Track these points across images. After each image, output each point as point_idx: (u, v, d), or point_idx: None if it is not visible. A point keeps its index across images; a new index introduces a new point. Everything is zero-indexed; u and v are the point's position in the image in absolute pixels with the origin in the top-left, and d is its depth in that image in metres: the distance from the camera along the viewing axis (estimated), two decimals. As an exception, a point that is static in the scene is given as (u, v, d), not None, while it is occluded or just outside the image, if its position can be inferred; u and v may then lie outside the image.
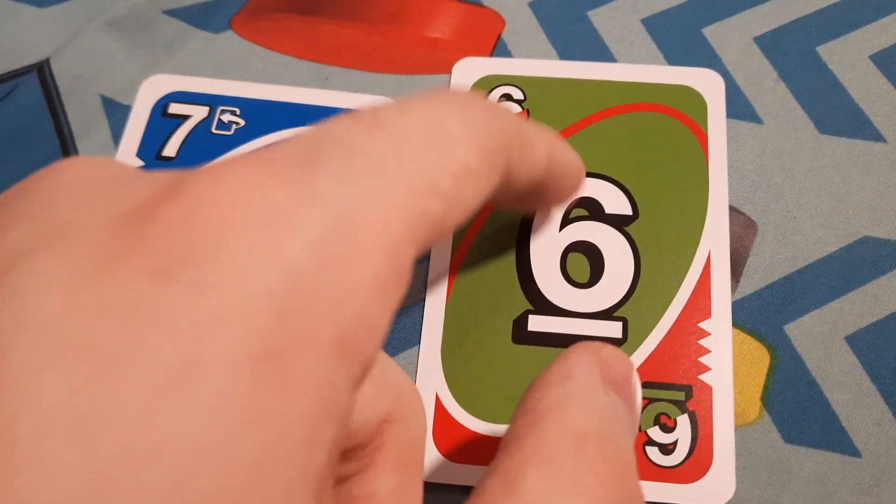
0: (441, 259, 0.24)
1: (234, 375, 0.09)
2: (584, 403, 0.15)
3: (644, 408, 0.21)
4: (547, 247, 0.24)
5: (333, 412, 0.10)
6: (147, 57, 0.28)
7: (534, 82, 0.26)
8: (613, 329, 0.22)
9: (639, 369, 0.22)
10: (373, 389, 0.16)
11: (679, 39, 0.27)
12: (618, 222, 0.24)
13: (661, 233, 0.24)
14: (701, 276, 0.23)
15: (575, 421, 0.14)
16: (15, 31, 0.28)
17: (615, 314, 0.23)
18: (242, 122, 0.26)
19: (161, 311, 0.09)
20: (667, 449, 0.21)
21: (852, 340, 0.22)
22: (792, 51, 0.27)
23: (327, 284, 0.10)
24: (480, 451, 0.21)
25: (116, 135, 0.26)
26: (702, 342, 0.22)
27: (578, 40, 0.27)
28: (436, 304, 0.23)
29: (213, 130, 0.26)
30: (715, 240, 0.23)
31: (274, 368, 0.09)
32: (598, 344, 0.16)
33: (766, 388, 0.22)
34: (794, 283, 0.23)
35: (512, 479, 0.13)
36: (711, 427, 0.21)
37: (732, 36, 0.27)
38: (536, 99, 0.26)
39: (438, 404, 0.22)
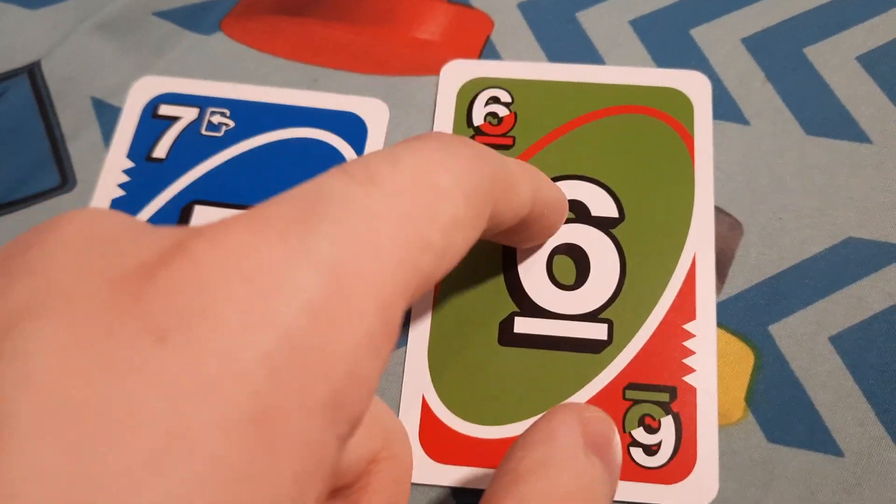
0: (428, 260, 0.24)
1: (226, 439, 0.09)
2: (565, 466, 0.15)
3: (629, 409, 0.22)
4: (533, 249, 0.24)
5: (321, 470, 0.11)
6: (137, 58, 0.28)
7: (521, 85, 0.26)
8: (599, 331, 0.23)
9: (624, 371, 0.22)
10: (362, 431, 0.16)
11: (667, 40, 0.27)
12: (604, 224, 0.24)
13: (646, 235, 0.24)
14: (686, 278, 0.23)
15: (555, 483, 0.15)
16: (5, 33, 0.28)
17: (601, 316, 0.23)
18: (232, 124, 0.26)
19: (157, 373, 0.09)
20: (651, 450, 0.21)
21: (836, 341, 0.22)
22: (779, 52, 0.27)
23: (320, 345, 0.10)
24: (466, 452, 0.22)
25: (107, 136, 0.26)
26: (686, 344, 0.22)
27: (567, 41, 0.27)
28: (422, 306, 0.23)
29: (203, 132, 0.26)
30: (700, 242, 0.24)
31: (265, 430, 0.10)
32: (581, 405, 0.17)
33: (750, 388, 0.22)
34: (779, 284, 0.23)
35: None
36: (695, 428, 0.21)
37: (720, 37, 0.27)
38: (523, 102, 0.26)
39: (425, 406, 0.22)
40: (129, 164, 0.26)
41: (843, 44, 0.27)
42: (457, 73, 0.27)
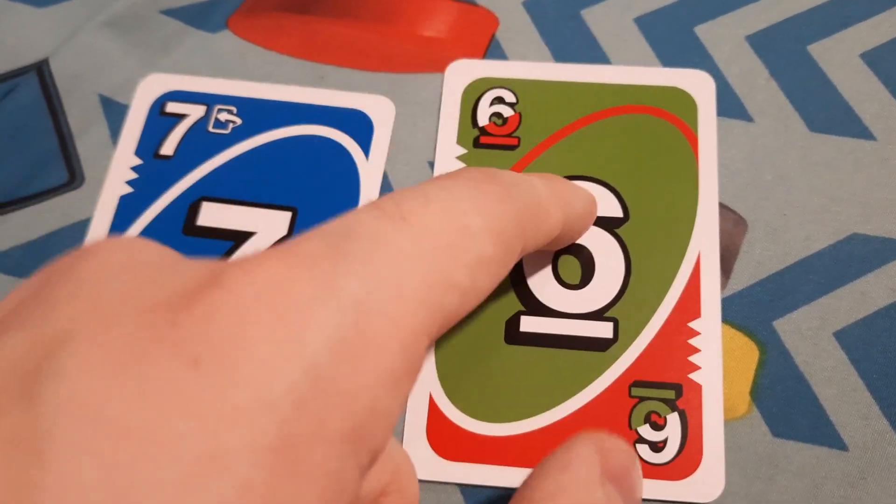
0: (435, 256, 0.24)
1: (255, 465, 0.10)
2: (578, 496, 0.15)
3: (635, 406, 0.22)
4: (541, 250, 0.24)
5: (342, 499, 0.11)
6: (145, 56, 0.28)
7: (526, 85, 0.26)
8: (604, 329, 0.23)
9: (629, 368, 0.22)
10: (375, 464, 0.16)
11: (671, 38, 0.27)
12: (608, 225, 0.24)
13: (651, 235, 0.24)
14: (691, 276, 0.23)
15: None
16: (14, 31, 0.29)
17: (606, 314, 0.23)
18: (239, 121, 0.26)
19: (190, 397, 0.10)
20: (657, 446, 0.21)
21: (840, 336, 0.23)
22: (783, 49, 0.27)
23: (344, 379, 0.11)
24: (473, 449, 0.22)
25: (115, 133, 0.27)
26: (692, 341, 0.22)
27: (572, 39, 0.27)
28: (429, 300, 0.23)
29: (210, 129, 0.26)
30: (705, 241, 0.24)
31: (291, 458, 0.10)
32: (601, 435, 0.17)
33: (755, 383, 0.22)
34: (783, 280, 0.23)
35: None
36: (701, 425, 0.21)
37: (724, 35, 0.27)
38: (528, 102, 0.26)
39: (432, 404, 0.22)
40: (137, 162, 0.26)
41: (846, 41, 0.27)
42: (462, 72, 0.27)
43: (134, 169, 0.26)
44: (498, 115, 0.26)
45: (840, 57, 0.26)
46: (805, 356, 0.22)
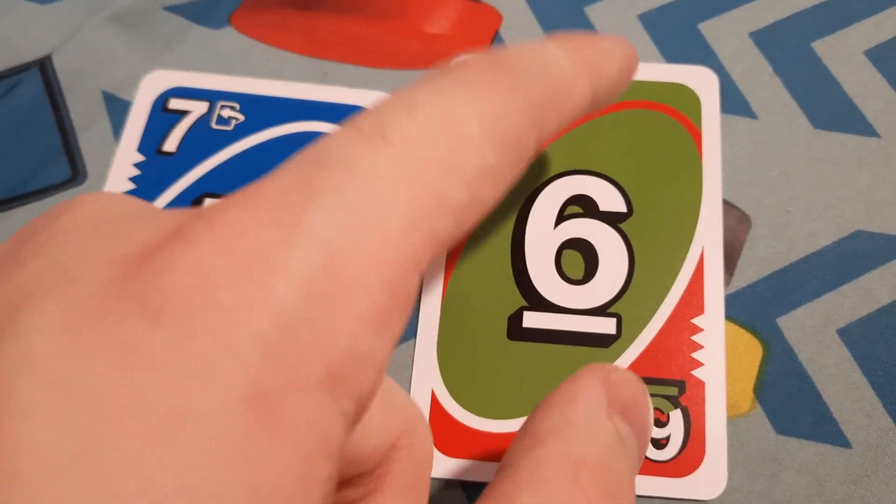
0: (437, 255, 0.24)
1: (225, 418, 0.09)
2: (585, 429, 0.14)
3: None
4: (541, 244, 0.24)
5: (327, 450, 0.10)
6: (148, 52, 0.28)
7: None
8: (607, 325, 0.23)
9: (632, 365, 0.22)
10: (382, 416, 0.16)
11: (675, 35, 0.27)
12: (612, 219, 0.24)
13: (655, 230, 0.24)
14: (694, 272, 0.23)
15: (573, 447, 0.14)
16: (17, 27, 0.29)
17: (609, 310, 0.23)
18: (242, 118, 0.26)
19: (153, 353, 0.09)
20: (659, 443, 0.21)
21: (844, 333, 0.22)
22: (787, 46, 0.27)
23: (317, 322, 0.10)
24: (475, 445, 0.22)
25: (117, 129, 0.27)
26: (695, 338, 0.22)
27: (575, 35, 0.27)
28: (431, 300, 0.23)
29: (213, 125, 0.26)
30: (708, 237, 0.24)
31: (264, 409, 0.10)
32: (608, 366, 0.16)
33: (758, 380, 0.22)
34: (787, 277, 0.23)
35: (505, 502, 0.13)
36: (704, 422, 0.21)
37: (728, 31, 0.27)
38: None
39: (434, 400, 0.22)
40: (140, 158, 0.26)
41: (850, 38, 0.27)
42: (465, 67, 0.27)
43: (136, 165, 0.26)
44: None
45: (844, 54, 0.26)
46: (809, 353, 0.22)
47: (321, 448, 0.10)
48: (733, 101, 0.26)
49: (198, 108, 0.27)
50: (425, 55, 0.27)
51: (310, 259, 0.10)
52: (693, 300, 0.23)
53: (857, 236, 0.24)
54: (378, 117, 0.12)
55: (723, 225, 0.24)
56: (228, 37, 0.28)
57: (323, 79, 0.27)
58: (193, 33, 0.28)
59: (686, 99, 0.26)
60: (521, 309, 0.23)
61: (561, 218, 0.24)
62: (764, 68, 0.26)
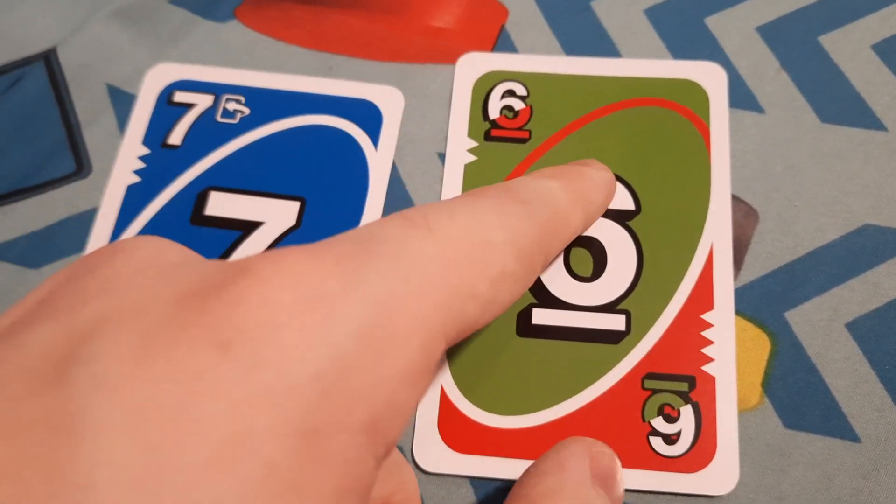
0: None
1: (280, 448, 0.10)
2: (575, 495, 0.16)
3: (648, 399, 0.22)
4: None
5: (359, 487, 0.11)
6: (152, 46, 0.28)
7: (537, 78, 0.26)
8: (617, 322, 0.23)
9: (642, 361, 0.22)
10: (381, 471, 0.17)
11: (681, 30, 0.27)
12: (621, 217, 0.24)
13: (663, 227, 0.24)
14: (703, 268, 0.23)
15: None
16: (22, 20, 0.29)
17: (619, 307, 0.23)
18: (247, 111, 0.26)
19: (221, 381, 0.10)
20: (670, 439, 0.21)
21: (852, 327, 0.22)
22: (794, 40, 0.27)
23: (367, 370, 0.11)
24: (484, 442, 0.22)
25: (122, 123, 0.26)
26: (705, 333, 0.22)
27: (581, 31, 0.27)
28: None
29: (218, 119, 0.26)
30: (717, 233, 0.24)
31: (313, 444, 0.10)
32: (589, 440, 0.18)
33: (766, 374, 0.22)
34: (794, 271, 0.23)
35: None
36: (715, 417, 0.21)
37: (735, 26, 0.27)
38: (539, 95, 0.26)
39: (443, 396, 0.22)
40: (145, 151, 0.26)
41: (857, 32, 0.27)
42: (472, 65, 0.27)
43: (141, 158, 0.26)
44: (509, 108, 0.26)
45: (851, 48, 0.26)
46: (817, 347, 0.22)
47: (355, 486, 0.11)
48: (740, 96, 0.26)
49: (203, 101, 0.26)
50: (430, 49, 0.27)
51: (366, 312, 0.11)
52: (702, 296, 0.23)
53: (865, 230, 0.24)
54: (423, 213, 0.14)
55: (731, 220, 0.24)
56: (234, 30, 0.28)
57: (328, 72, 0.27)
58: (199, 27, 0.28)
59: (694, 95, 0.26)
60: (531, 306, 0.23)
61: (569, 213, 0.24)
62: (770, 63, 0.26)
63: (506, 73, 0.26)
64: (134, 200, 0.25)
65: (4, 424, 0.10)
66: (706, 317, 0.23)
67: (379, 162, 0.25)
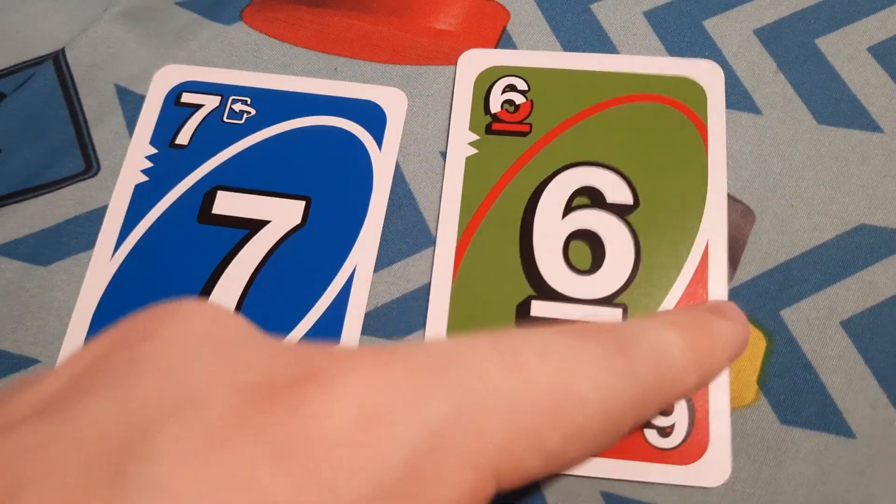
0: (446, 245, 0.24)
1: None
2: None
3: None
4: (549, 234, 0.24)
5: None
6: (160, 47, 0.28)
7: (537, 73, 0.27)
8: (614, 315, 0.23)
9: None
10: None
11: (680, 31, 0.27)
12: (619, 211, 0.24)
13: (661, 221, 0.24)
14: (699, 264, 0.24)
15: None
16: (31, 21, 0.29)
17: (616, 301, 0.23)
18: (253, 112, 0.27)
19: (269, 493, 0.10)
20: (665, 431, 0.22)
21: (848, 325, 0.23)
22: (791, 43, 0.27)
23: (410, 499, 0.11)
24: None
25: (130, 123, 0.27)
26: None
27: (582, 33, 0.28)
28: (441, 288, 0.24)
29: (225, 119, 0.27)
30: (713, 229, 0.24)
31: None
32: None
33: (762, 371, 0.22)
34: (790, 270, 0.24)
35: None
36: (707, 410, 0.22)
37: (733, 28, 0.27)
38: (540, 90, 0.26)
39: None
40: (153, 151, 0.26)
41: (854, 34, 0.27)
42: (474, 61, 0.27)
43: (149, 158, 0.26)
44: (510, 102, 0.26)
45: (848, 50, 0.27)
46: (812, 345, 0.23)
47: None
48: (738, 97, 0.26)
49: (210, 101, 0.27)
50: (434, 51, 0.28)
51: (420, 438, 0.11)
52: (697, 291, 0.23)
53: (861, 230, 0.24)
54: (516, 348, 0.13)
55: (727, 219, 0.24)
56: (240, 32, 0.28)
57: (333, 74, 0.27)
58: (205, 28, 0.28)
59: (692, 92, 0.26)
60: (529, 298, 0.23)
61: (569, 209, 0.24)
62: (768, 65, 0.27)
63: (507, 68, 0.27)
64: (142, 199, 0.25)
65: None
66: None
67: (383, 162, 0.26)
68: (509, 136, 0.26)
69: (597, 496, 0.21)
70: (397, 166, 0.26)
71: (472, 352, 0.12)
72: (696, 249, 0.24)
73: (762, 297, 0.23)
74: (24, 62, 0.28)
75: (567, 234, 0.24)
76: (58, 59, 0.28)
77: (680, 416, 0.22)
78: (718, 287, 0.23)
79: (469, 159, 0.25)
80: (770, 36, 0.27)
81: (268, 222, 0.25)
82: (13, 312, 0.24)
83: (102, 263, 0.25)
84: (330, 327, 0.23)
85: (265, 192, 0.25)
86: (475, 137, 0.26)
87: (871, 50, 0.27)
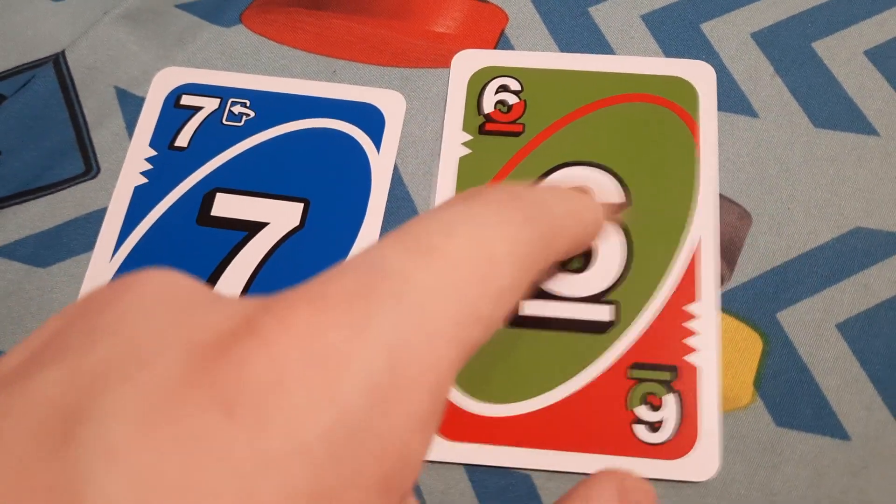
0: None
1: None
2: None
3: (633, 387, 0.22)
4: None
5: None
6: (160, 49, 0.28)
7: (530, 74, 0.27)
8: (605, 312, 0.23)
9: (628, 351, 0.23)
10: None
11: (678, 35, 0.28)
12: (610, 210, 0.25)
13: (652, 220, 0.24)
14: (690, 261, 0.24)
15: None
16: (31, 23, 0.29)
17: (606, 298, 0.23)
18: (252, 114, 0.27)
19: (228, 447, 0.10)
20: (654, 427, 0.22)
21: (843, 328, 0.23)
22: (788, 46, 0.27)
23: (376, 425, 0.11)
24: (477, 430, 0.22)
25: (130, 125, 0.27)
26: (688, 325, 0.23)
27: (580, 36, 0.28)
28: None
29: (224, 121, 0.27)
30: (704, 227, 0.24)
31: None
32: (621, 473, 0.17)
33: (758, 373, 0.23)
34: (787, 273, 0.24)
35: None
36: (696, 406, 0.22)
37: (730, 31, 0.27)
38: (533, 90, 0.27)
39: (438, 386, 0.23)
40: (152, 153, 0.26)
41: (851, 38, 0.27)
42: (468, 62, 0.27)
43: (149, 160, 0.26)
44: (503, 102, 0.26)
45: (844, 54, 0.27)
46: (808, 347, 0.23)
47: None
48: (734, 100, 0.26)
49: (209, 104, 0.27)
50: (432, 54, 0.28)
51: (375, 363, 0.11)
52: (688, 288, 0.23)
53: (856, 233, 0.24)
54: (417, 235, 0.13)
55: (724, 221, 0.24)
56: (239, 35, 0.29)
57: (332, 76, 0.28)
58: (205, 31, 0.29)
59: (684, 92, 0.26)
60: None
61: (563, 211, 0.25)
62: (765, 68, 0.27)
63: (500, 68, 0.27)
64: (141, 201, 0.26)
65: (12, 490, 0.10)
66: (690, 309, 0.23)
67: (381, 164, 0.26)
68: (502, 137, 0.26)
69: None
70: (395, 168, 0.26)
71: (388, 258, 0.13)
72: (686, 247, 0.24)
73: (758, 300, 0.23)
74: (25, 64, 0.28)
75: (562, 236, 0.24)
76: (58, 62, 0.28)
77: (669, 412, 0.22)
78: (709, 283, 0.23)
79: (463, 159, 0.26)
80: (767, 39, 0.27)
81: (266, 224, 0.25)
82: (13, 313, 0.24)
83: (102, 265, 0.25)
84: (328, 329, 0.23)
85: (264, 194, 0.25)
86: (468, 137, 0.26)
87: (867, 53, 0.27)
